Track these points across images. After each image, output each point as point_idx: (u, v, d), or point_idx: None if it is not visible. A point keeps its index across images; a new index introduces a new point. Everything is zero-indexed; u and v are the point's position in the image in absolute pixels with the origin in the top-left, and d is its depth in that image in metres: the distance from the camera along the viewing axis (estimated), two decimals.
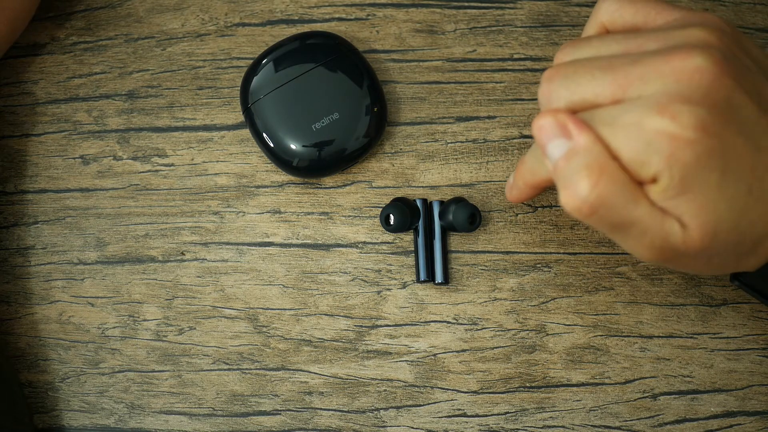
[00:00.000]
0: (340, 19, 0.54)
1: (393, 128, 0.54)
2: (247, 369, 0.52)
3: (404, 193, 0.53)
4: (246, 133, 0.53)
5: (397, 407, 0.52)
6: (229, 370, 0.52)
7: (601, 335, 0.52)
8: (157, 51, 0.54)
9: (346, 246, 0.53)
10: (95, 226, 0.53)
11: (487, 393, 0.52)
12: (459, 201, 0.51)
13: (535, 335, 0.52)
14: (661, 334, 0.52)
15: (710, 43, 0.39)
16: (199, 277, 0.53)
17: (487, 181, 0.53)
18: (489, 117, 0.53)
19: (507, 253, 0.52)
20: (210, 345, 0.52)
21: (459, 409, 0.51)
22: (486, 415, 0.51)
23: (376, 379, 0.52)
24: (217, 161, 0.53)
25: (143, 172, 0.53)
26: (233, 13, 0.54)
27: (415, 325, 0.52)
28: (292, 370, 0.52)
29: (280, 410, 0.52)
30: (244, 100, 0.52)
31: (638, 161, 0.38)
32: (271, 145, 0.51)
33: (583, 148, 0.38)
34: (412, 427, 0.51)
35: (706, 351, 0.52)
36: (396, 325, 0.52)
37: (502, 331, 0.52)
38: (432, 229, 0.52)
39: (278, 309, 0.52)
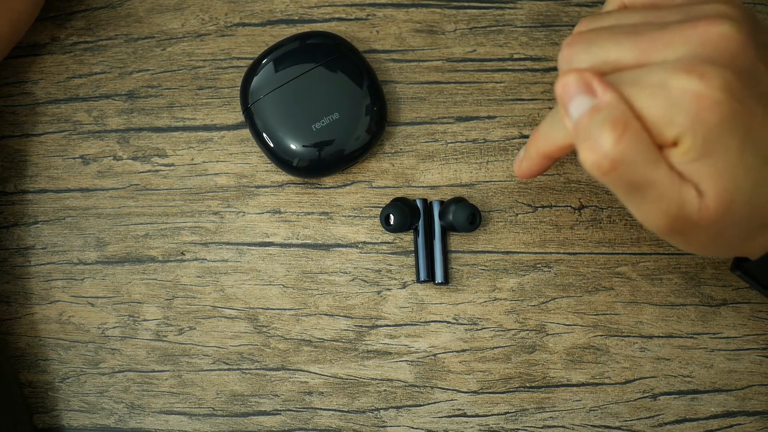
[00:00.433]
0: (340, 19, 0.54)
1: (393, 128, 0.54)
2: (247, 369, 0.52)
3: (404, 193, 0.53)
4: (246, 133, 0.53)
5: (397, 407, 0.52)
6: (229, 370, 0.52)
7: (601, 335, 0.52)
8: (157, 51, 0.54)
9: (346, 246, 0.53)
10: (95, 226, 0.53)
11: (487, 393, 0.52)
12: (459, 201, 0.51)
13: (535, 335, 0.52)
14: (661, 334, 0.52)
15: (734, 16, 0.39)
16: (199, 277, 0.53)
17: (487, 181, 0.53)
18: (489, 117, 0.53)
19: (507, 253, 0.52)
20: (210, 345, 0.52)
21: (459, 409, 0.51)
22: (486, 415, 0.51)
23: (376, 379, 0.52)
24: (217, 161, 0.53)
25: (143, 172, 0.53)
26: (233, 13, 0.54)
27: (415, 325, 0.52)
28: (292, 370, 0.52)
29: (280, 410, 0.52)
30: (244, 100, 0.52)
31: (663, 121, 0.37)
32: (271, 145, 0.51)
33: (607, 104, 0.38)
34: (412, 427, 0.51)
35: (706, 351, 0.52)
36: (396, 325, 0.52)
37: (502, 331, 0.52)
38: (432, 229, 0.52)
39: (278, 309, 0.52)
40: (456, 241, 0.53)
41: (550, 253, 0.52)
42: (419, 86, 0.54)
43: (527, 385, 0.52)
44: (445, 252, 0.52)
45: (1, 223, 0.53)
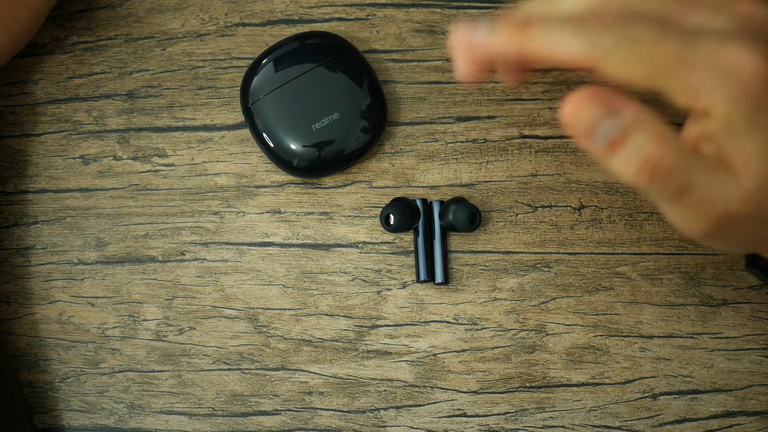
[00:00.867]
0: (340, 19, 0.54)
1: (393, 128, 0.54)
2: (247, 369, 0.52)
3: (404, 193, 0.53)
4: (246, 133, 0.53)
5: (397, 407, 0.52)
6: (229, 370, 0.52)
7: (601, 335, 0.52)
8: (157, 51, 0.54)
9: (346, 246, 0.53)
10: (95, 226, 0.53)
11: (487, 393, 0.52)
12: (459, 201, 0.51)
13: (535, 335, 0.52)
14: (661, 334, 0.52)
15: None
16: (199, 277, 0.53)
17: (487, 181, 0.53)
18: (489, 117, 0.53)
19: (507, 253, 0.52)
20: (210, 345, 0.52)
21: (459, 409, 0.51)
22: (486, 415, 0.51)
23: (376, 379, 0.52)
24: (217, 161, 0.53)
25: (143, 172, 0.53)
26: (233, 13, 0.54)
27: (415, 325, 0.52)
28: (292, 370, 0.52)
29: (280, 410, 0.52)
30: (244, 100, 0.52)
31: (706, 88, 0.36)
32: (271, 145, 0.51)
33: (636, 122, 0.35)
34: (412, 427, 0.51)
35: (706, 351, 0.52)
36: (396, 325, 0.52)
37: (502, 331, 0.52)
38: (432, 229, 0.52)
39: (278, 309, 0.52)
40: (456, 241, 0.53)
41: (550, 253, 0.52)
42: (419, 86, 0.54)
43: (527, 385, 0.52)
44: (445, 252, 0.52)
45: (1, 223, 0.53)
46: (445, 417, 0.51)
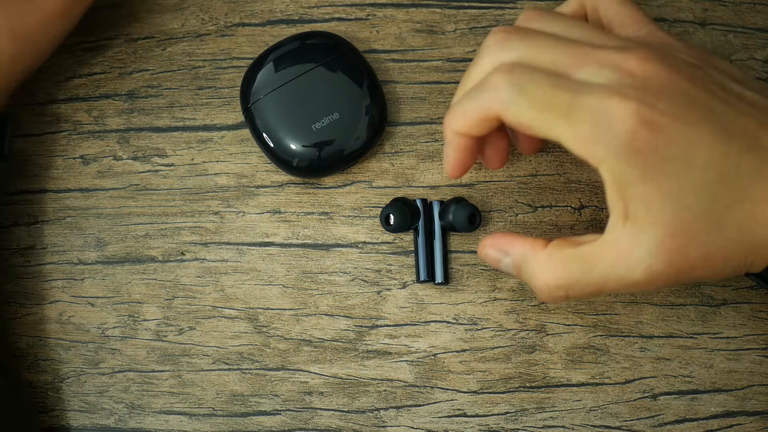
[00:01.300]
0: (340, 19, 0.54)
1: (393, 128, 0.54)
2: (247, 369, 0.52)
3: (404, 193, 0.53)
4: (246, 133, 0.53)
5: (397, 407, 0.52)
6: (229, 370, 0.52)
7: (601, 335, 0.52)
8: (157, 51, 0.54)
9: (346, 246, 0.53)
10: (95, 226, 0.53)
11: (487, 393, 0.52)
12: (459, 201, 0.51)
13: (535, 335, 0.52)
14: (661, 334, 0.52)
15: (661, 49, 0.42)
16: (199, 277, 0.53)
17: (487, 181, 0.53)
18: None
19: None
20: (210, 345, 0.52)
21: (459, 409, 0.51)
22: (486, 415, 0.51)
23: (376, 379, 0.52)
24: (217, 161, 0.53)
25: (143, 172, 0.53)
26: (233, 13, 0.54)
27: (415, 325, 0.52)
28: (292, 370, 0.52)
29: (280, 410, 0.52)
30: (244, 100, 0.52)
31: (596, 141, 0.39)
32: (271, 145, 0.51)
33: (520, 257, 0.44)
34: (412, 427, 0.51)
35: (706, 351, 0.52)
36: (396, 325, 0.52)
37: (502, 331, 0.52)
38: (432, 229, 0.52)
39: (278, 309, 0.52)
40: (456, 241, 0.53)
41: None
42: (419, 86, 0.54)
43: (527, 385, 0.52)
44: (445, 252, 0.52)
45: (1, 223, 0.53)
46: (445, 417, 0.51)
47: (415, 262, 0.52)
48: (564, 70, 0.41)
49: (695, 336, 0.52)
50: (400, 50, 0.54)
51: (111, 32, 0.55)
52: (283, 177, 0.53)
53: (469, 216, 0.50)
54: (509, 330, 0.52)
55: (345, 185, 0.53)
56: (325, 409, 0.52)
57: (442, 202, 0.52)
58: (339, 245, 0.53)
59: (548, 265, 0.42)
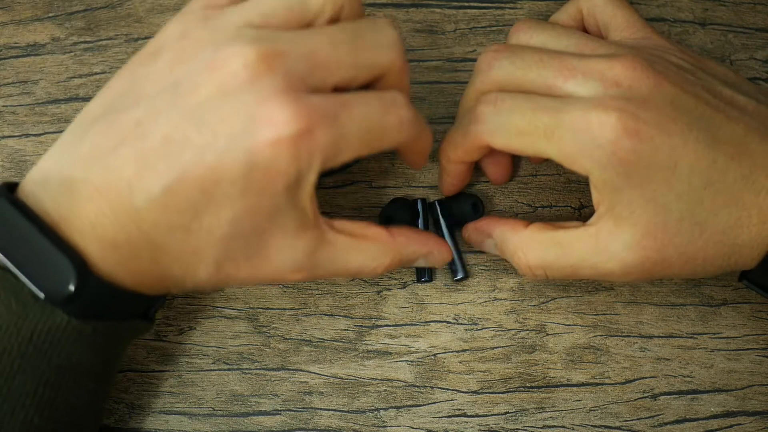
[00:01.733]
0: None
1: None
2: (247, 369, 0.52)
3: (404, 193, 0.53)
4: None
5: (397, 407, 0.52)
6: (229, 370, 0.52)
7: (601, 335, 0.52)
8: None
9: None
10: None
11: (487, 393, 0.52)
12: (459, 194, 0.51)
13: (535, 335, 0.52)
14: (661, 334, 0.52)
15: (655, 56, 0.43)
16: None
17: (487, 181, 0.53)
18: None
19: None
20: (210, 345, 0.52)
21: (459, 409, 0.51)
22: (486, 415, 0.51)
23: (376, 379, 0.52)
24: None
25: None
26: None
27: (415, 325, 0.52)
28: (292, 370, 0.52)
29: (280, 410, 0.52)
30: None
31: (581, 154, 0.41)
32: None
33: (501, 238, 0.46)
34: (412, 427, 0.51)
35: (706, 351, 0.52)
36: (396, 325, 0.52)
37: (502, 331, 0.52)
38: (439, 228, 0.52)
39: (278, 309, 0.52)
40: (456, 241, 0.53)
41: None
42: (419, 86, 0.54)
43: (527, 385, 0.52)
44: (458, 247, 0.52)
45: None
46: (445, 417, 0.51)
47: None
48: (551, 83, 0.42)
49: (695, 336, 0.52)
50: None
51: (111, 32, 0.55)
52: None
53: (472, 205, 0.50)
54: (509, 330, 0.52)
55: (345, 185, 0.53)
56: (325, 409, 0.52)
57: (441, 201, 0.52)
58: None
59: (528, 245, 0.45)
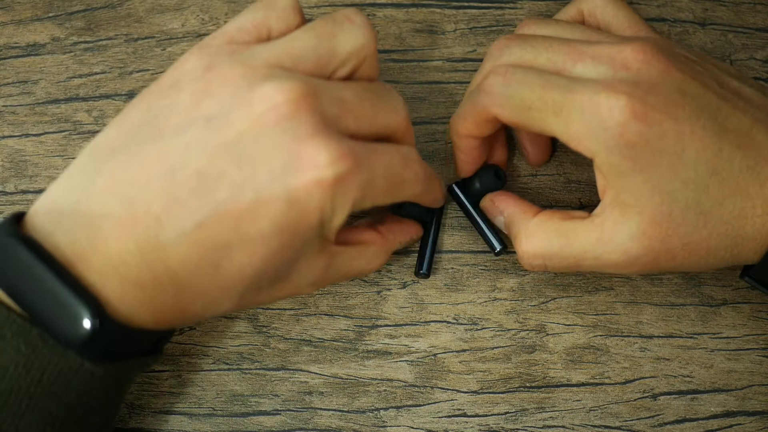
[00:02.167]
0: None
1: None
2: (247, 369, 0.52)
3: None
4: None
5: (397, 407, 0.52)
6: (229, 370, 0.52)
7: (601, 335, 0.52)
8: (157, 51, 0.54)
9: None
10: None
11: (487, 393, 0.52)
12: (479, 169, 0.50)
13: (535, 335, 0.52)
14: (661, 334, 0.52)
15: (656, 43, 0.42)
16: None
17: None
18: None
19: (507, 252, 0.52)
20: (210, 345, 0.52)
21: (459, 409, 0.51)
22: (486, 415, 0.51)
23: (376, 379, 0.52)
24: None
25: None
26: (233, 13, 0.54)
27: (415, 325, 0.52)
28: (292, 370, 0.52)
29: (280, 410, 0.52)
30: None
31: (587, 136, 0.40)
32: None
33: (509, 219, 0.47)
34: (412, 427, 0.51)
35: (706, 351, 0.52)
36: (396, 325, 0.52)
37: (502, 331, 0.52)
38: (467, 210, 0.51)
39: (278, 309, 0.52)
40: (456, 241, 0.53)
41: None
42: (419, 86, 0.54)
43: (527, 385, 0.52)
44: (486, 221, 0.51)
45: None
46: (445, 417, 0.51)
47: (428, 253, 0.51)
48: (561, 66, 0.42)
49: (695, 336, 0.52)
50: (400, 50, 0.54)
51: (111, 32, 0.55)
52: None
53: (495, 173, 0.50)
54: (509, 330, 0.52)
55: None
56: (325, 409, 0.52)
57: (458, 182, 0.51)
58: None
59: (533, 233, 0.44)
